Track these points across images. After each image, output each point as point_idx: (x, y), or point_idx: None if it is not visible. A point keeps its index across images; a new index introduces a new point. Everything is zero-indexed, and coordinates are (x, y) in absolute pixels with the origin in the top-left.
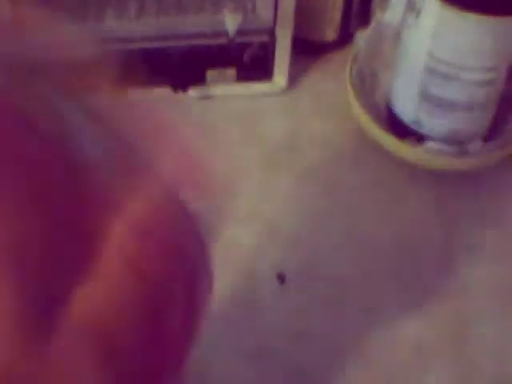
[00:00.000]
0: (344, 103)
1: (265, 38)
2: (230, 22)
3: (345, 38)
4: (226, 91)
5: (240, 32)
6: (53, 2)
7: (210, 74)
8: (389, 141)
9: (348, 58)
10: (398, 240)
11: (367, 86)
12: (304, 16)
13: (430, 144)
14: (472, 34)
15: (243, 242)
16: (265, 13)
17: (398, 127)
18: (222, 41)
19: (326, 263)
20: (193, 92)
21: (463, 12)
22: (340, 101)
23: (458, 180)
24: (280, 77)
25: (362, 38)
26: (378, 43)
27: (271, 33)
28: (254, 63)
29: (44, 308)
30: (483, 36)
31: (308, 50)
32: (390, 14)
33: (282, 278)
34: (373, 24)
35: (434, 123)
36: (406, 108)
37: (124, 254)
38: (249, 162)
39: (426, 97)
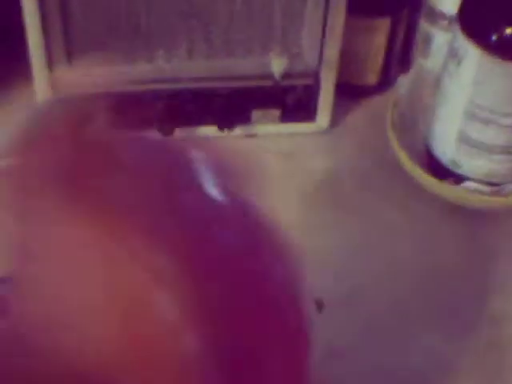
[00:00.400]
0: (383, 144)
1: (309, 81)
2: (276, 65)
3: (386, 82)
4: (269, 130)
5: (285, 75)
6: (105, 43)
7: (256, 114)
8: (428, 181)
9: (388, 102)
10: (435, 275)
11: (407, 129)
12: (347, 60)
13: (468, 184)
14: (510, 81)
15: None
16: (310, 57)
17: (436, 168)
18: (267, 83)
19: (363, 295)
20: (238, 130)
21: (503, 61)
22: (379, 142)
23: (494, 219)
24: (323, 118)
25: (403, 82)
26: (419, 89)
27: (316, 76)
28: (297, 105)
29: None
30: None
31: (350, 92)
32: (431, 61)
33: (320, 305)
34: (414, 70)
35: (472, 165)
36: (445, 150)
37: None
38: (290, 197)
39: (464, 140)
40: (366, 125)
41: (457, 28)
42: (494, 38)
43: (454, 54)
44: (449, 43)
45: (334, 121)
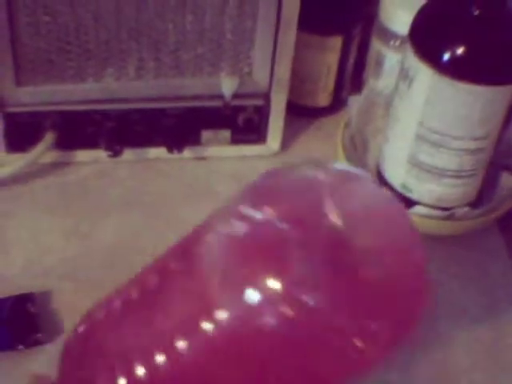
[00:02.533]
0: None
1: (259, 102)
2: (226, 85)
3: (338, 103)
4: (219, 152)
5: (236, 95)
6: (54, 62)
7: (206, 135)
8: None
9: (340, 123)
10: None
11: (358, 151)
12: (298, 82)
13: (418, 208)
14: (462, 103)
15: None
16: (261, 77)
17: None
18: (217, 103)
19: None
20: (188, 153)
21: (455, 81)
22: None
23: (444, 243)
24: (273, 140)
25: (354, 103)
26: (369, 110)
27: (266, 97)
28: (247, 126)
29: None
30: (473, 105)
31: (301, 113)
32: (382, 82)
33: None
34: (365, 91)
35: (422, 189)
36: (396, 173)
37: None
38: None
39: (415, 164)
40: (317, 146)
41: (408, 48)
42: (445, 57)
43: (405, 75)
44: (400, 64)
45: (286, 142)
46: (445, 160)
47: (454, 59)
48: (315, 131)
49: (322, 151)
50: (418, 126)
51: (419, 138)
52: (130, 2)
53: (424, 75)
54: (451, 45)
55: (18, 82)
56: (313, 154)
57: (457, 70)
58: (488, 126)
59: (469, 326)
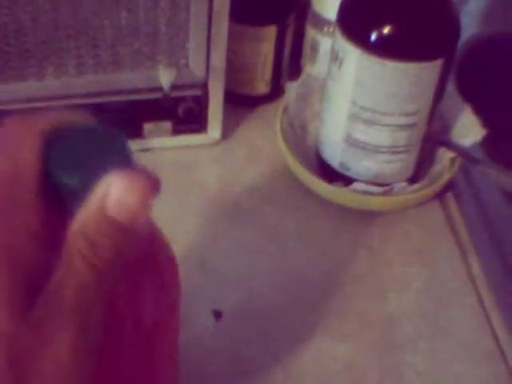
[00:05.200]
0: (276, 152)
1: (198, 92)
2: (164, 77)
3: (276, 91)
4: (162, 143)
5: (174, 86)
6: None
7: (147, 127)
8: (318, 185)
9: (279, 110)
10: (329, 278)
11: (298, 136)
12: (236, 71)
13: (357, 185)
14: (391, 80)
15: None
16: (197, 67)
17: (327, 172)
18: (157, 95)
19: (259, 300)
20: (131, 145)
21: (381, 59)
22: (272, 150)
23: (386, 220)
24: (214, 129)
25: (291, 90)
26: (306, 95)
27: (204, 87)
28: (188, 116)
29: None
30: (401, 82)
31: (241, 103)
32: (318, 68)
33: (218, 315)
34: (302, 77)
35: (359, 166)
36: (333, 153)
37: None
38: (186, 209)
39: (350, 142)
40: (258, 133)
41: (336, 30)
42: (371, 37)
43: (335, 57)
44: (331, 46)
45: (227, 131)
46: (378, 137)
47: (379, 38)
48: (255, 119)
49: (262, 138)
50: (350, 104)
51: (352, 116)
52: (66, 1)
53: (352, 55)
54: (376, 24)
55: None
56: (253, 142)
57: (382, 49)
58: (418, 102)
59: (413, 298)
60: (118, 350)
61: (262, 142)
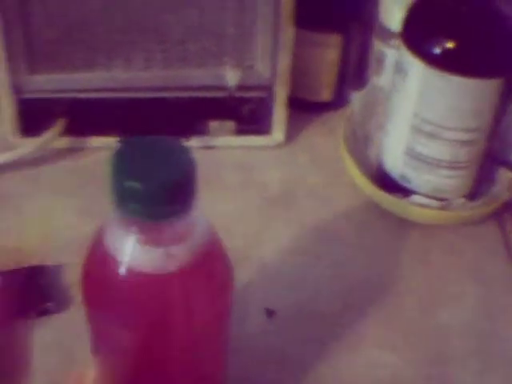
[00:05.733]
0: (338, 159)
1: (263, 94)
2: (231, 77)
3: (340, 99)
4: (226, 142)
5: (240, 87)
6: (66, 52)
7: (212, 125)
8: (378, 194)
9: (343, 118)
10: (382, 285)
11: (360, 145)
12: (300, 76)
13: (416, 197)
14: (454, 95)
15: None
16: (263, 69)
17: (387, 183)
18: (222, 94)
19: (312, 304)
20: (195, 142)
21: (445, 74)
22: (334, 157)
23: (442, 234)
24: (278, 132)
25: (356, 99)
26: (371, 106)
27: (269, 89)
28: (252, 117)
29: None
30: (464, 97)
31: (304, 108)
32: (383, 79)
33: (270, 313)
34: (367, 87)
35: (419, 179)
36: (395, 164)
37: None
38: (246, 208)
39: (412, 154)
40: (320, 140)
41: (401, 43)
42: (436, 50)
43: (399, 69)
44: (396, 59)
45: (290, 135)
46: (439, 151)
47: (444, 52)
48: (318, 125)
49: (325, 144)
50: (413, 117)
51: (415, 129)
52: None
53: (416, 68)
54: (441, 38)
55: (31, 70)
56: (315, 147)
57: (446, 63)
58: (480, 119)
59: (465, 314)
60: (169, 348)
61: (325, 148)
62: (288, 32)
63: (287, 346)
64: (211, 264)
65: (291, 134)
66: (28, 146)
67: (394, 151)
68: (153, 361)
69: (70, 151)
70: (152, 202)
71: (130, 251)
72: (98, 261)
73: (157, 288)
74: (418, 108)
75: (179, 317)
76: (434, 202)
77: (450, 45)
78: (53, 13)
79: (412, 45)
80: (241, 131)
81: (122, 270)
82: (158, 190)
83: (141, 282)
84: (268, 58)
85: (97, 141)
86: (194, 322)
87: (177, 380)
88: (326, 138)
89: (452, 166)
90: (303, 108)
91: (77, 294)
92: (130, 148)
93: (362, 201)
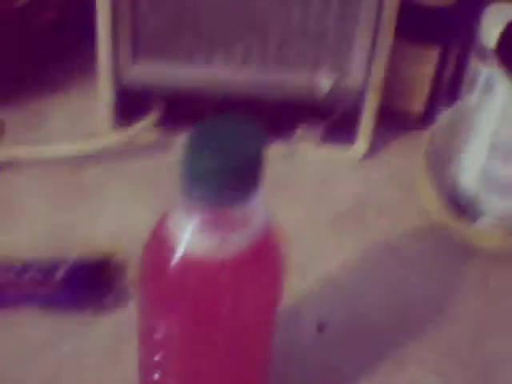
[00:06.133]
0: (414, 177)
1: (353, 102)
2: (324, 82)
3: (430, 116)
4: (308, 151)
5: (332, 93)
6: (168, 43)
7: (299, 131)
8: (445, 217)
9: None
10: (438, 308)
11: (441, 164)
12: (392, 88)
13: (484, 221)
14: None
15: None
16: (357, 77)
17: (459, 203)
18: (314, 98)
19: (364, 320)
20: (278, 148)
21: None
22: (411, 176)
23: (507, 261)
24: (362, 143)
25: (443, 117)
26: (457, 124)
27: (360, 97)
28: (340, 124)
29: None
30: None
31: (393, 122)
32: (474, 98)
33: (321, 327)
34: (456, 105)
35: (492, 201)
36: (469, 184)
37: None
38: (314, 219)
39: (487, 175)
40: (401, 157)
41: (493, 60)
42: None
43: (488, 86)
44: (486, 76)
45: (373, 147)
46: None
47: None
48: (404, 141)
49: (405, 161)
50: (492, 136)
51: (493, 148)
52: None
53: (503, 85)
54: None
55: (134, 59)
56: (395, 163)
57: None
58: None
59: None
60: (216, 339)
61: (403, 166)
62: (387, 40)
63: (333, 360)
64: (265, 253)
65: (373, 147)
66: (118, 136)
67: (469, 171)
68: (195, 360)
69: (159, 146)
70: (219, 185)
71: (188, 235)
72: (157, 242)
73: (210, 274)
74: (499, 127)
75: (230, 304)
76: (502, 227)
77: None
78: (160, 5)
79: (501, 60)
80: (325, 139)
81: (177, 254)
82: (226, 174)
83: (193, 266)
84: (363, 65)
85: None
86: (243, 311)
87: (220, 376)
88: (407, 155)
89: None
90: (391, 121)
91: (135, 290)
92: (202, 132)
93: (429, 223)
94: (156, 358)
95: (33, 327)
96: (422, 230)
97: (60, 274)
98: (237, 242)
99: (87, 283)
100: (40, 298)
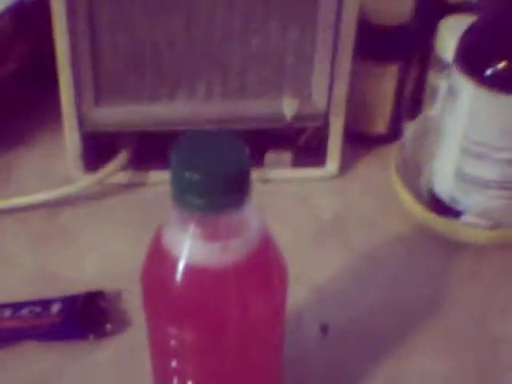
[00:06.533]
0: (389, 188)
1: (319, 124)
2: (288, 108)
3: (394, 132)
4: (281, 175)
5: (296, 117)
6: (129, 84)
7: (268, 157)
8: (428, 217)
9: (394, 149)
10: (434, 304)
11: (411, 174)
12: (355, 108)
13: (466, 218)
14: (504, 114)
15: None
16: (320, 99)
17: (438, 206)
18: (279, 125)
19: (365, 321)
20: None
21: (496, 94)
22: (385, 186)
23: (493, 254)
24: (332, 163)
25: (408, 130)
26: (423, 136)
27: (325, 119)
28: (308, 148)
29: None
30: None
31: (359, 141)
32: (435, 109)
33: (324, 329)
34: (420, 117)
35: (469, 200)
36: (445, 187)
37: None
38: (300, 235)
39: (461, 176)
40: (373, 170)
41: (453, 66)
42: (487, 71)
43: (451, 93)
44: (448, 84)
45: (344, 167)
46: (489, 171)
47: (495, 73)
48: (372, 157)
49: (377, 175)
50: (462, 139)
51: (464, 150)
52: (200, 25)
53: (467, 89)
54: (492, 59)
55: (97, 103)
56: (368, 178)
57: (497, 83)
58: None
59: None
60: (225, 346)
61: (377, 179)
62: (346, 62)
63: (340, 359)
64: (266, 258)
65: (345, 164)
66: (89, 180)
67: (443, 174)
68: (209, 362)
69: (131, 186)
70: (210, 192)
71: (188, 246)
72: (156, 259)
73: (213, 282)
74: (467, 129)
75: (238, 309)
76: (484, 223)
77: (500, 65)
78: (119, 41)
79: (463, 66)
80: (296, 163)
81: (180, 266)
82: (216, 181)
83: (197, 276)
84: (325, 87)
85: (157, 175)
86: (250, 317)
87: (236, 377)
88: (378, 169)
89: (502, 186)
90: (356, 140)
91: (135, 316)
92: (188, 143)
93: (412, 226)
94: (173, 364)
95: (37, 360)
96: (406, 234)
97: (56, 308)
98: (237, 248)
99: (84, 313)
100: (40, 331)
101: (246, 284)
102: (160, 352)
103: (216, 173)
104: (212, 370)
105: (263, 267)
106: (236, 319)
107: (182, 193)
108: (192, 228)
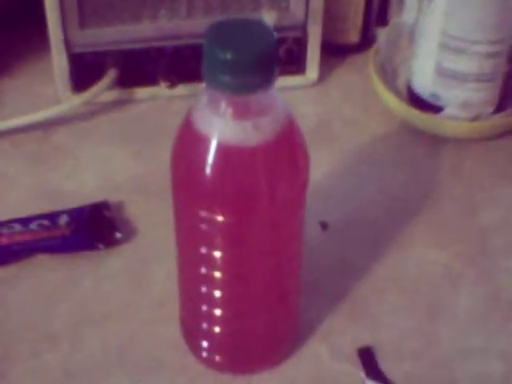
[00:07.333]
0: (368, 92)
1: (297, 34)
2: (267, 19)
3: (366, 41)
4: None
5: (276, 28)
6: (113, 5)
7: None
8: (410, 113)
9: (371, 55)
10: (422, 194)
11: (388, 78)
12: (330, 21)
13: (446, 112)
14: (478, 8)
15: None
16: (297, 11)
17: (417, 104)
18: None
19: (361, 214)
20: None
21: None
22: (366, 91)
23: (475, 147)
24: (312, 71)
25: (381, 35)
26: (396, 41)
27: (303, 29)
28: (288, 57)
29: None
30: (487, 10)
31: (333, 51)
32: (405, 15)
33: (324, 226)
34: (391, 23)
35: (449, 95)
36: (425, 84)
37: None
38: None
39: (440, 71)
40: (351, 77)
41: None
42: None
43: None
44: None
45: (322, 75)
46: (466, 65)
47: None
48: (348, 65)
49: (356, 81)
50: (440, 35)
51: (442, 46)
52: None
53: None
54: None
55: (82, 26)
56: (347, 84)
57: None
58: (503, 31)
59: (504, 214)
60: (252, 219)
61: (356, 84)
62: None
63: (344, 252)
64: (292, 138)
65: (323, 74)
66: (79, 99)
67: (423, 71)
68: (238, 252)
69: (120, 103)
70: (241, 71)
71: (219, 126)
72: (187, 142)
73: (244, 160)
74: (445, 26)
75: (265, 189)
76: (464, 115)
77: None
78: None
79: None
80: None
81: (212, 146)
82: (247, 60)
83: (229, 155)
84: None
85: (145, 91)
86: (277, 194)
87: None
88: (356, 75)
89: (479, 79)
90: (331, 51)
91: (140, 225)
92: (220, 27)
93: (395, 124)
94: (202, 251)
95: (51, 272)
96: (390, 132)
97: (63, 221)
98: (266, 126)
99: (92, 224)
100: (51, 243)
101: (274, 162)
102: (190, 238)
103: (247, 52)
104: (240, 261)
105: (289, 147)
106: (265, 197)
107: (215, 73)
108: (223, 108)
